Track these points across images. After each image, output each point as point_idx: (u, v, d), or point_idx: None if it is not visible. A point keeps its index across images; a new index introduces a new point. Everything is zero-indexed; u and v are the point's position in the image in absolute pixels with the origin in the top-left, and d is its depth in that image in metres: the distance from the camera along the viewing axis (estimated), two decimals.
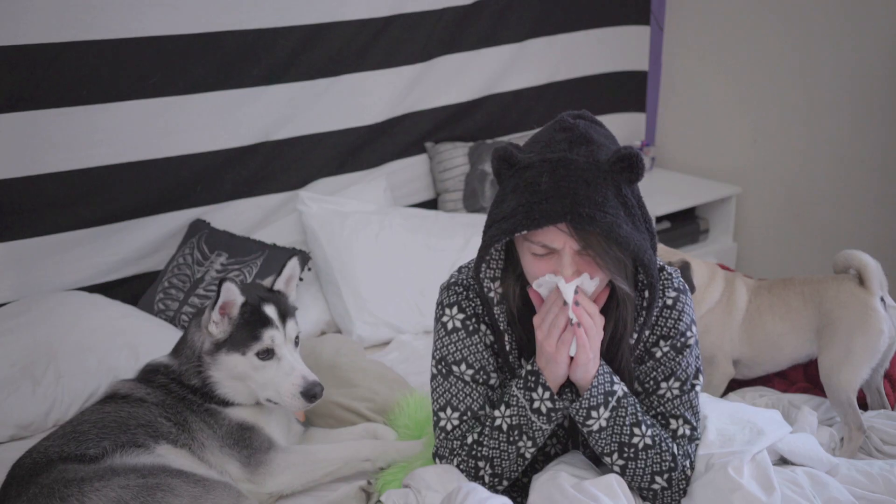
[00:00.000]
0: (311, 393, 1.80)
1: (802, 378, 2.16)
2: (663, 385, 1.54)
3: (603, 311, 1.47)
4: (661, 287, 1.54)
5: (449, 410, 1.55)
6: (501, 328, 1.51)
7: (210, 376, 1.84)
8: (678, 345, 1.53)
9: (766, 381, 2.17)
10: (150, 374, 1.89)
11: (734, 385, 2.17)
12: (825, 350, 1.94)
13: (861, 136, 3.12)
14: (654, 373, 1.54)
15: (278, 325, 1.84)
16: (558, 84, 3.51)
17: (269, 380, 1.82)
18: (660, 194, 3.53)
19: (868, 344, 1.88)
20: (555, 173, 1.36)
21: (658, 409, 1.55)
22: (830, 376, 1.91)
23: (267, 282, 1.97)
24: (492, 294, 1.50)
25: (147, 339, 2.30)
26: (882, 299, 1.92)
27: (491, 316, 1.53)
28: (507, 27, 3.28)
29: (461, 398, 1.55)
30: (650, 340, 1.55)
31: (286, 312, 1.88)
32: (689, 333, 1.54)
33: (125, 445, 1.67)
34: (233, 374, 1.83)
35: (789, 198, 3.41)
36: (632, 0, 3.62)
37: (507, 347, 1.53)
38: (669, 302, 1.54)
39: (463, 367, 1.55)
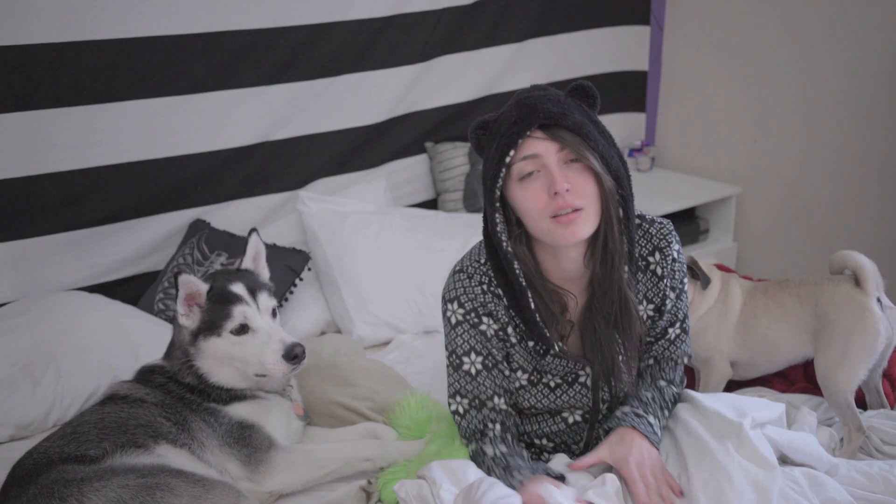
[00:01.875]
0: (292, 354, 1.81)
1: (802, 378, 2.16)
2: (670, 330, 1.69)
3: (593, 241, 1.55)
4: (660, 235, 1.65)
5: (458, 398, 1.64)
6: (524, 284, 1.55)
7: (199, 367, 1.85)
8: (681, 293, 1.69)
9: (766, 381, 2.17)
10: (147, 374, 1.89)
11: (733, 386, 2.17)
12: (822, 352, 1.93)
13: (861, 136, 3.12)
14: (663, 321, 1.68)
15: (248, 301, 1.85)
16: (558, 84, 3.48)
17: (251, 353, 1.82)
18: (660, 194, 3.53)
19: (865, 345, 1.87)
20: (521, 103, 1.52)
21: (664, 354, 1.70)
22: (827, 378, 1.91)
23: (237, 264, 1.99)
24: (509, 248, 1.54)
25: (147, 339, 2.30)
26: (878, 300, 1.91)
27: (506, 290, 1.58)
28: (507, 27, 3.28)
29: (469, 388, 1.63)
30: (666, 293, 1.66)
31: (255, 287, 1.89)
32: (685, 280, 1.70)
33: (125, 446, 1.67)
34: (216, 357, 1.84)
35: (789, 198, 3.41)
36: (632, 0, 3.62)
37: (532, 306, 1.56)
38: (675, 255, 1.66)
39: (472, 356, 1.62)
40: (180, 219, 2.71)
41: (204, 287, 1.84)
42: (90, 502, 1.50)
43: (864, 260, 1.92)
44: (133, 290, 2.66)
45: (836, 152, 3.21)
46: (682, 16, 3.64)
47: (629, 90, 3.75)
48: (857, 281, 1.92)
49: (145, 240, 2.66)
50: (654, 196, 3.51)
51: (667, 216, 3.44)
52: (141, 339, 2.30)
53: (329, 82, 2.87)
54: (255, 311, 1.86)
